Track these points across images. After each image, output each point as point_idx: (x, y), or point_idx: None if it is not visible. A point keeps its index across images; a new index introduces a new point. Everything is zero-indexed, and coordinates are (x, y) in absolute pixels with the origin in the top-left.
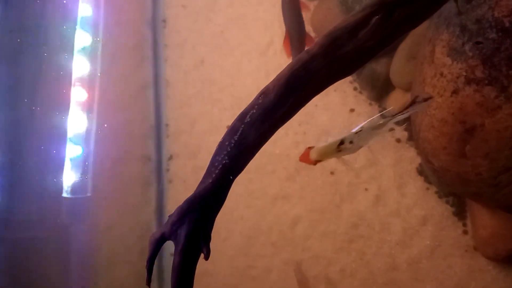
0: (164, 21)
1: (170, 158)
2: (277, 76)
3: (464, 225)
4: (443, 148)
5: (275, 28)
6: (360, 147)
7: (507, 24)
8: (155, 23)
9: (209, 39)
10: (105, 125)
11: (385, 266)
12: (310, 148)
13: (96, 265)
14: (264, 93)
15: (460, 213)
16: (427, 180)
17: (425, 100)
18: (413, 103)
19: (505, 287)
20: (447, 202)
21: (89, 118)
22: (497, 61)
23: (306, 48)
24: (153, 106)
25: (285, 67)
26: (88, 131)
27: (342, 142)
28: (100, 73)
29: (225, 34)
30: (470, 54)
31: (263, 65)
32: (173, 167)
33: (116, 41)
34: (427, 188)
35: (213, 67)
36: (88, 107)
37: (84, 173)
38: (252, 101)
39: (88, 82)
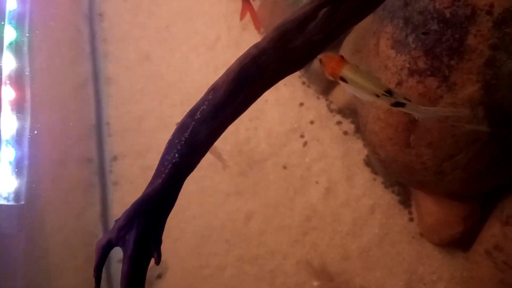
0: (100, 15)
1: (114, 159)
2: (226, 71)
3: (410, 213)
4: (389, 139)
5: (222, 23)
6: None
7: (448, 15)
8: (92, 17)
9: (153, 34)
10: (38, 126)
11: (337, 256)
12: (344, 60)
13: (40, 275)
14: (214, 88)
15: (405, 201)
16: (373, 170)
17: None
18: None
19: (451, 271)
20: (393, 192)
21: (20, 119)
22: (438, 51)
23: None
24: (93, 104)
25: (234, 62)
26: (20, 133)
27: (390, 93)
28: (31, 70)
29: (171, 28)
30: (413, 46)
31: (212, 60)
32: (118, 168)
33: (49, 35)
34: (374, 179)
35: (159, 62)
36: (18, 107)
37: (22, 177)
38: (202, 97)
39: (17, 80)
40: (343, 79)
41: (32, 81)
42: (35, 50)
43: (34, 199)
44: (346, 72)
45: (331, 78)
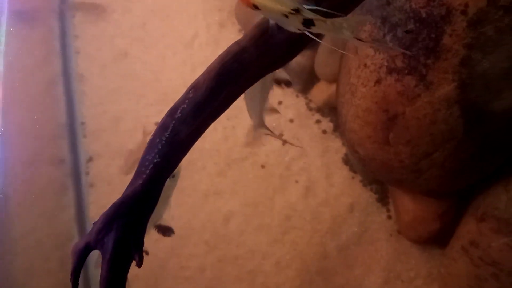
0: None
1: (90, 159)
2: (207, 69)
3: (388, 210)
4: (368, 137)
5: (199, 20)
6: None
7: (423, 15)
8: (63, 12)
9: (128, 31)
10: (7, 125)
11: (317, 255)
12: None
13: (12, 279)
14: (194, 86)
15: (383, 199)
16: (352, 169)
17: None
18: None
19: (428, 267)
20: (371, 190)
21: None
22: (415, 51)
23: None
24: (65, 102)
25: (215, 59)
26: None
27: (298, 10)
28: (3, 67)
29: (147, 25)
30: (391, 44)
31: (189, 58)
32: (95, 169)
33: (19, 31)
34: (353, 177)
35: (134, 61)
36: None
37: None
38: (183, 95)
39: None
40: (256, 7)
41: (3, 78)
42: (6, 46)
43: (7, 200)
44: None
45: (248, 8)
